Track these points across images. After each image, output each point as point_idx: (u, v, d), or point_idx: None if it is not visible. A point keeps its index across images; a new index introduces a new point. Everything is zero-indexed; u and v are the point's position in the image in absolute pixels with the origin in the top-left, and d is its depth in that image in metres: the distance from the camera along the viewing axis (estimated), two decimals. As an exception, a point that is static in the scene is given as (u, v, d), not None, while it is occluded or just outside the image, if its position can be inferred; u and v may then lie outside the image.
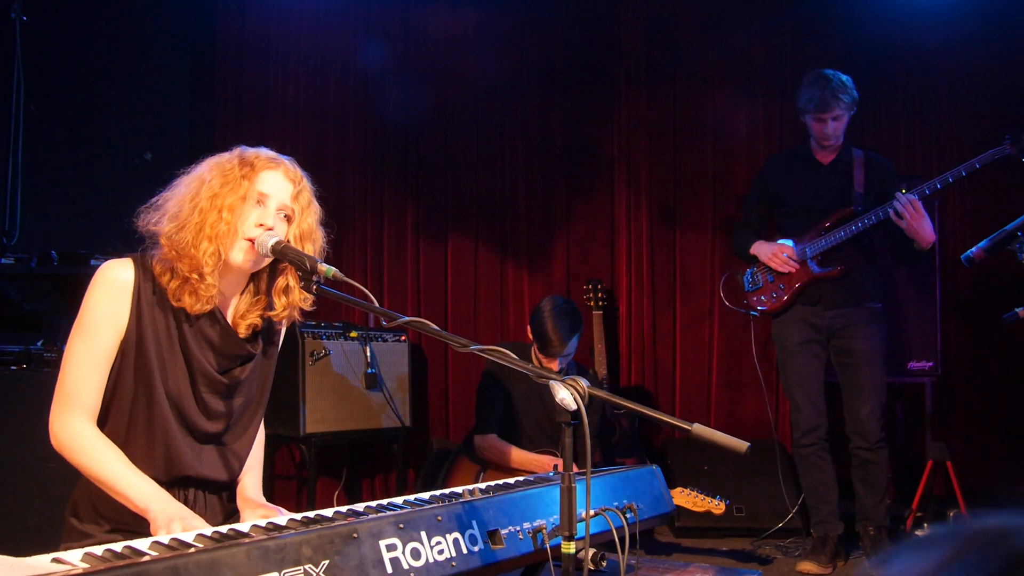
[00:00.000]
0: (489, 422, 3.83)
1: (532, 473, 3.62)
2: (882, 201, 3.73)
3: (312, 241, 1.97)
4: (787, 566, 3.85)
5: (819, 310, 3.86)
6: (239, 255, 1.87)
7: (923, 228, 3.63)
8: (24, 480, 3.34)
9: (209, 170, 1.90)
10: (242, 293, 2.00)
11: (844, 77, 3.81)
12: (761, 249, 3.97)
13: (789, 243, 3.93)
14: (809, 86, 3.84)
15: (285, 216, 1.93)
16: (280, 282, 1.98)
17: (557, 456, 3.75)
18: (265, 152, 1.95)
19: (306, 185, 1.98)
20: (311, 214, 1.98)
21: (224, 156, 1.94)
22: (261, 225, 1.87)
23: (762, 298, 3.99)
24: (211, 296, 1.88)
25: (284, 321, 2.07)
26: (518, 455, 3.72)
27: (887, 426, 3.92)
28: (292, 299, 1.98)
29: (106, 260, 1.91)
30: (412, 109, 5.28)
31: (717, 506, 3.58)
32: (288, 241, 1.90)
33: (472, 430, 3.96)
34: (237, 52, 5.25)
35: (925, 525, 4.28)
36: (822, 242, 3.81)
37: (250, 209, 1.88)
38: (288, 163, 1.96)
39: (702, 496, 3.60)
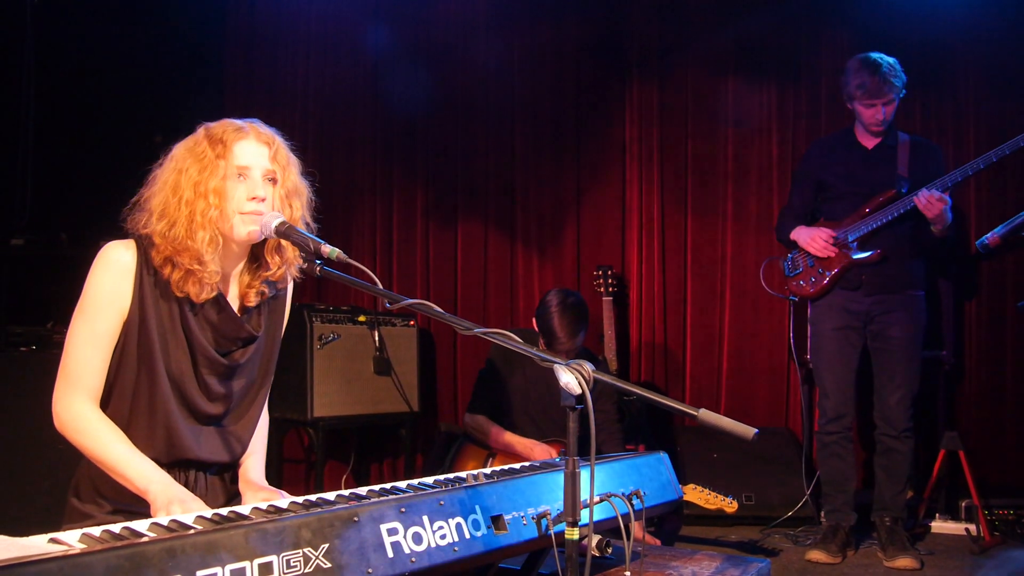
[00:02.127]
0: (481, 403, 3.87)
1: (517, 455, 3.66)
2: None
3: (299, 195, 1.96)
4: (796, 555, 3.83)
5: (859, 295, 3.83)
6: (242, 229, 1.86)
7: (942, 215, 3.61)
8: (33, 461, 3.36)
9: (182, 158, 1.87)
10: (242, 266, 1.99)
11: (891, 60, 3.77)
12: (800, 234, 3.94)
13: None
14: (858, 72, 3.77)
15: (270, 180, 1.91)
16: (271, 242, 1.96)
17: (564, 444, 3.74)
18: (230, 123, 1.92)
19: (279, 142, 1.95)
20: (292, 170, 1.96)
21: (192, 140, 1.91)
22: (253, 198, 1.85)
23: (801, 283, 3.96)
24: (215, 282, 1.87)
25: (288, 283, 2.06)
26: (505, 437, 3.75)
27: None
28: (286, 257, 1.97)
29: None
30: (422, 93, 5.25)
31: (729, 504, 3.55)
32: (276, 209, 1.88)
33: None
34: (247, 35, 5.23)
35: (936, 515, 4.25)
36: (862, 227, 3.78)
37: (235, 186, 1.86)
38: (256, 126, 1.94)
39: (714, 494, 3.58)
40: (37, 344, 3.86)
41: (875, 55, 3.78)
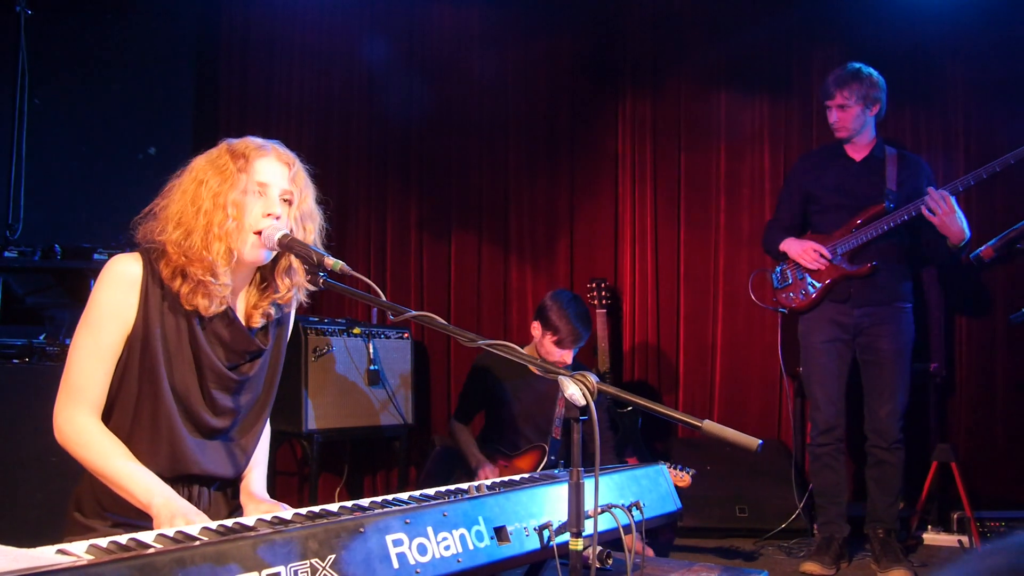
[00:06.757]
0: (464, 412, 3.98)
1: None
2: (914, 198, 3.71)
3: (313, 219, 1.98)
4: (791, 566, 3.83)
5: (848, 308, 3.84)
6: (252, 250, 1.87)
7: (954, 224, 3.61)
8: (25, 473, 3.34)
9: (202, 170, 1.88)
10: (250, 284, 2.00)
11: (867, 70, 3.80)
12: (791, 246, 3.96)
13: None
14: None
15: (286, 200, 1.92)
16: (283, 263, 1.98)
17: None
18: (252, 140, 1.94)
19: (299, 164, 1.98)
20: (309, 194, 1.99)
21: (213, 153, 1.92)
22: (269, 215, 1.86)
23: (791, 295, 3.97)
24: (224, 296, 1.87)
25: (292, 304, 2.06)
26: (469, 450, 3.81)
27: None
28: (296, 280, 1.98)
29: (109, 254, 1.90)
30: (416, 105, 5.27)
31: (682, 479, 3.52)
32: (291, 230, 1.89)
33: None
34: (241, 47, 5.24)
35: (929, 527, 4.27)
36: (852, 240, 3.80)
37: (253, 201, 1.87)
38: (277, 147, 1.97)
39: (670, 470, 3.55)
40: (29, 357, 3.83)
41: (854, 64, 3.82)
